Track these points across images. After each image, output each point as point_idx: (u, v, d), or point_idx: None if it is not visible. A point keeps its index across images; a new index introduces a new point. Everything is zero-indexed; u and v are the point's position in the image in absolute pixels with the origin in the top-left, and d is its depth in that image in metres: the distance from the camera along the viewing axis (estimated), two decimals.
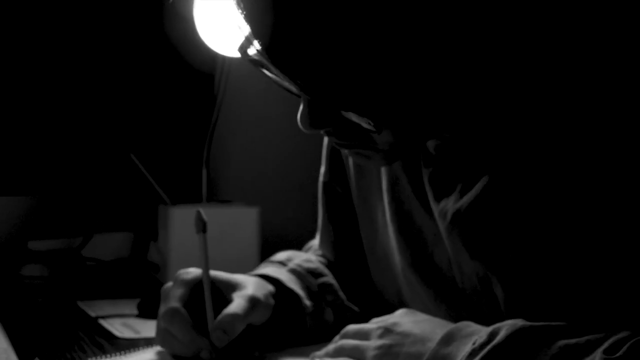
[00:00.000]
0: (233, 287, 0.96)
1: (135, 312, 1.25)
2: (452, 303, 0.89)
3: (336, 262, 1.12)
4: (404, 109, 0.74)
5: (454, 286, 0.88)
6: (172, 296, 0.93)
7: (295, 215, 1.73)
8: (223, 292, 0.96)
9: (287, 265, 1.08)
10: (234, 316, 0.91)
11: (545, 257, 0.76)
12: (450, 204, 0.84)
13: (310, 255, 1.12)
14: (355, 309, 1.08)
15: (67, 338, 1.10)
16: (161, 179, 1.52)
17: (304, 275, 1.06)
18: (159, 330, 0.92)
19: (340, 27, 0.69)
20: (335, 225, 1.12)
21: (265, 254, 1.40)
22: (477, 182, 0.81)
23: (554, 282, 0.76)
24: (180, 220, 1.46)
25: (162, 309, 0.93)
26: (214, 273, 0.97)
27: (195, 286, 0.95)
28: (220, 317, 0.91)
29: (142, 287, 1.49)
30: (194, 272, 0.96)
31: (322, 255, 1.15)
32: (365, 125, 0.74)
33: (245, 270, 1.30)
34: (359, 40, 0.69)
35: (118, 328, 1.15)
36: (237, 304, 0.92)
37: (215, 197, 1.67)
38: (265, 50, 0.70)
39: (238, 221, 1.50)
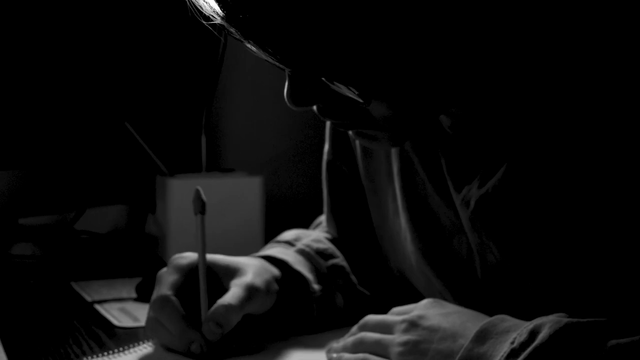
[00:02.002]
0: (232, 273, 0.91)
1: (134, 295, 1.20)
2: (464, 296, 0.85)
3: (344, 243, 1.07)
4: (391, 74, 0.69)
5: (469, 278, 0.84)
6: (164, 283, 0.88)
7: (300, 184, 1.72)
8: (221, 279, 0.91)
9: (294, 245, 1.02)
10: (227, 307, 0.85)
11: (570, 245, 0.72)
12: (473, 192, 0.79)
13: (319, 234, 1.07)
14: (367, 293, 1.03)
15: (61, 329, 1.04)
16: (158, 147, 1.49)
17: (313, 256, 1.01)
18: (149, 319, 0.88)
19: None
20: (342, 207, 1.08)
21: (269, 225, 1.47)
22: (499, 168, 0.76)
23: (580, 271, 0.73)
24: (179, 191, 1.43)
25: (154, 296, 0.88)
26: (212, 258, 0.92)
27: (190, 272, 0.90)
28: (213, 308, 0.86)
29: (140, 264, 1.46)
30: (189, 256, 0.91)
31: (329, 233, 1.10)
32: (352, 96, 0.70)
33: (248, 242, 1.42)
34: None
35: (116, 315, 1.10)
36: (232, 293, 0.87)
37: (216, 166, 1.63)
38: (225, 12, 0.66)
39: (240, 191, 1.46)
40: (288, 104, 0.74)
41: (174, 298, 0.87)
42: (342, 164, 1.05)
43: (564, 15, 0.73)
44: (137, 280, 1.24)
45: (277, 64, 0.69)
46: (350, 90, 0.70)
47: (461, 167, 0.82)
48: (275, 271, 0.95)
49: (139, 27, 1.68)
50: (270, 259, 0.97)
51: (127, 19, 1.68)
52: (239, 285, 0.89)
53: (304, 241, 1.03)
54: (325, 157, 1.08)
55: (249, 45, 0.69)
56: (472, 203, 0.80)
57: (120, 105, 1.69)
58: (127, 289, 1.24)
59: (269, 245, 1.05)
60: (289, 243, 1.03)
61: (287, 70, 0.72)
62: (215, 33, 0.72)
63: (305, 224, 1.25)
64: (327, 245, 1.03)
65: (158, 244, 1.49)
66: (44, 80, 1.65)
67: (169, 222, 1.44)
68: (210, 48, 1.57)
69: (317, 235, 1.06)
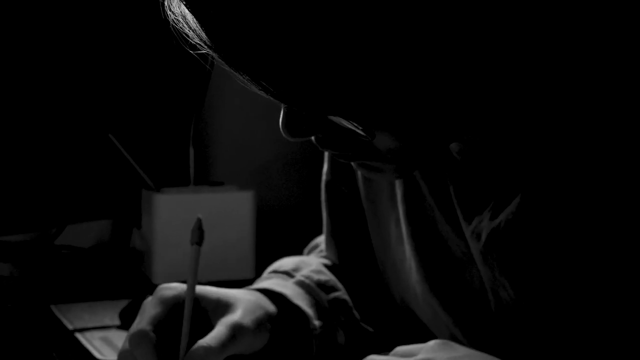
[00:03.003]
0: (221, 309, 0.86)
1: (117, 322, 1.15)
2: (474, 332, 0.82)
3: (344, 269, 1.03)
4: (396, 105, 0.66)
5: (481, 313, 0.80)
6: (145, 316, 0.83)
7: (292, 195, 1.70)
8: (209, 315, 0.86)
9: (294, 276, 0.97)
10: (207, 349, 0.80)
11: (590, 284, 0.69)
12: (485, 224, 0.75)
13: (319, 263, 1.01)
14: (370, 329, 0.98)
15: None
16: (143, 160, 1.47)
17: (314, 289, 0.95)
18: (123, 351, 0.83)
19: (302, 7, 0.60)
20: (343, 230, 1.03)
21: (260, 242, 1.45)
22: (512, 199, 0.73)
23: (600, 313, 0.69)
24: (165, 205, 1.40)
25: (133, 327, 0.84)
26: (201, 290, 0.86)
27: (175, 306, 0.84)
28: (192, 348, 0.80)
29: (125, 283, 1.41)
30: (176, 288, 0.86)
31: (328, 259, 1.06)
32: (355, 129, 0.67)
33: (238, 259, 1.41)
34: (329, 23, 0.60)
35: (97, 346, 1.05)
36: (215, 333, 0.82)
37: (204, 178, 1.60)
38: (213, 41, 0.62)
39: (231, 206, 1.44)
40: (283, 135, 0.71)
41: (152, 334, 0.82)
42: (342, 184, 1.01)
43: (578, 40, 0.70)
44: (121, 303, 1.21)
45: (272, 98, 0.66)
46: (352, 124, 0.66)
47: (471, 195, 0.78)
48: (270, 308, 0.90)
49: (123, 34, 1.63)
50: (267, 293, 0.92)
51: (110, 24, 1.63)
52: (225, 324, 0.84)
53: (303, 272, 0.98)
54: (324, 177, 1.04)
55: (239, 77, 0.65)
56: (484, 236, 0.76)
57: (104, 116, 1.64)
58: (110, 314, 1.20)
59: (265, 275, 1.00)
60: (288, 274, 0.98)
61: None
62: (202, 62, 0.68)
63: (298, 236, 1.24)
64: (329, 277, 0.98)
65: (143, 260, 1.46)
66: (23, 89, 1.60)
67: (155, 238, 1.40)
68: (198, 55, 1.51)
69: (317, 264, 1.01)
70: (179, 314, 0.84)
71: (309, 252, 1.12)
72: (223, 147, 1.70)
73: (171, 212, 1.39)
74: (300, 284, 0.95)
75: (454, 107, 0.68)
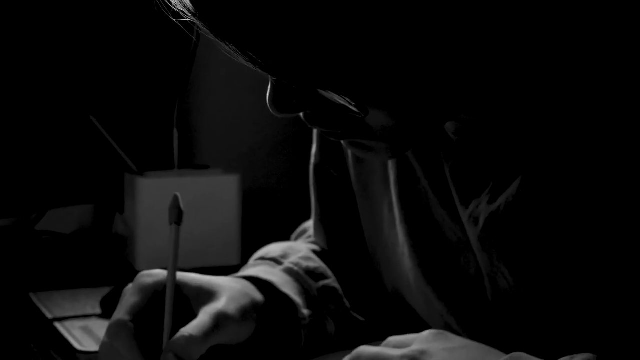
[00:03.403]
0: (204, 297, 0.84)
1: (98, 310, 1.14)
2: (470, 321, 0.81)
3: (334, 256, 1.01)
4: (391, 80, 0.65)
5: (477, 302, 0.79)
6: (124, 305, 0.82)
7: (279, 178, 1.68)
8: (191, 303, 0.84)
9: (282, 263, 0.94)
10: (188, 339, 0.78)
11: (594, 270, 0.68)
12: (482, 207, 0.74)
13: (307, 249, 0.99)
14: (361, 319, 0.96)
15: (17, 353, 0.98)
16: (126, 143, 1.46)
17: (302, 276, 0.93)
18: (103, 343, 0.82)
19: None
20: (332, 215, 1.01)
21: (247, 227, 1.44)
22: (512, 181, 0.71)
23: (604, 300, 0.68)
24: (149, 190, 1.39)
25: (112, 318, 0.82)
26: (183, 277, 0.84)
27: (156, 294, 0.82)
28: (174, 338, 0.79)
29: (107, 269, 1.40)
30: (157, 275, 0.83)
31: (317, 245, 1.04)
32: (347, 105, 0.66)
33: (224, 244, 1.40)
34: None
35: (78, 336, 1.04)
36: (198, 322, 0.80)
37: (189, 162, 1.57)
38: (197, 7, 0.61)
39: (216, 190, 1.43)
40: (271, 111, 0.69)
41: (131, 324, 0.80)
42: (331, 167, 0.99)
43: (577, 14, 0.69)
44: (103, 290, 1.19)
45: (259, 70, 0.64)
46: (345, 99, 0.64)
47: (468, 177, 0.77)
48: (257, 296, 0.88)
49: (104, 10, 1.62)
50: (253, 280, 0.90)
51: (91, 2, 1.62)
52: (208, 312, 0.81)
53: (292, 259, 0.95)
54: (312, 160, 1.02)
55: (225, 47, 0.63)
56: (482, 220, 0.75)
57: (85, 97, 1.63)
58: (92, 302, 1.18)
59: (252, 262, 0.97)
60: (275, 260, 0.95)
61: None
62: (186, 31, 0.66)
63: (286, 221, 1.23)
64: (318, 264, 0.96)
65: (126, 245, 1.44)
66: (1, 70, 1.59)
67: (138, 223, 1.39)
68: (183, 34, 1.50)
69: (306, 251, 0.98)
70: (160, 302, 0.82)
71: (297, 238, 1.10)
72: (208, 130, 1.69)
73: (154, 196, 1.38)
74: (289, 272, 0.93)
75: (450, 82, 0.67)
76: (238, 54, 0.62)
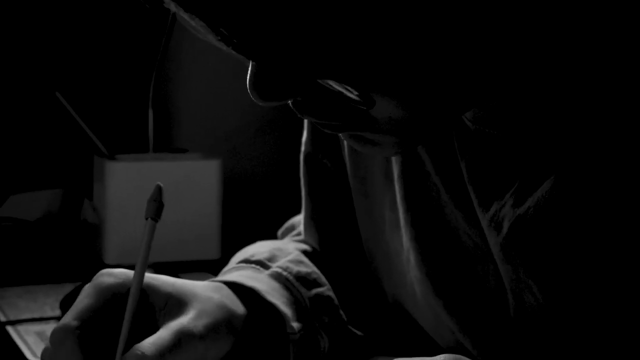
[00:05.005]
0: (173, 307, 0.77)
1: (58, 312, 1.07)
2: (487, 343, 0.75)
3: (327, 257, 0.95)
4: (404, 63, 0.57)
5: (497, 320, 0.74)
6: (73, 308, 0.74)
7: (262, 164, 1.68)
8: (156, 312, 0.77)
9: (269, 267, 0.88)
10: (141, 358, 0.71)
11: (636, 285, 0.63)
12: (507, 210, 0.69)
13: (297, 250, 0.93)
14: (359, 333, 0.90)
15: None
16: (96, 122, 1.42)
17: (292, 283, 0.86)
18: (44, 349, 0.75)
19: None
20: (325, 211, 0.95)
21: (227, 218, 1.42)
22: (543, 180, 0.66)
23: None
24: (120, 174, 1.36)
25: (60, 322, 0.75)
26: (153, 280, 0.77)
27: (115, 296, 0.75)
28: (126, 355, 0.72)
29: (72, 262, 1.35)
30: (120, 275, 0.76)
31: (307, 245, 0.98)
32: (346, 93, 0.59)
33: (202, 235, 1.39)
34: None
35: (31, 343, 0.98)
36: (155, 339, 0.73)
37: (165, 145, 1.56)
38: None
39: (195, 176, 1.40)
40: (252, 98, 0.62)
41: (77, 331, 0.73)
42: (325, 157, 0.94)
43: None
44: (65, 288, 1.15)
45: (234, 52, 0.56)
46: (344, 87, 0.58)
47: (488, 175, 0.70)
48: (238, 309, 0.81)
49: None
50: (236, 287, 0.83)
51: None
52: (170, 328, 0.74)
53: (280, 262, 0.89)
54: (303, 148, 0.96)
55: (193, 24, 0.56)
56: (506, 226, 0.68)
57: (50, 71, 1.61)
58: (51, 301, 1.13)
59: (234, 264, 0.90)
60: (261, 264, 0.88)
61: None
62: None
63: (270, 212, 1.22)
64: (311, 269, 0.89)
65: (95, 235, 1.40)
66: None
67: (108, 211, 1.35)
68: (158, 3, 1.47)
69: (296, 253, 0.92)
70: (120, 307, 0.74)
71: (284, 235, 1.04)
72: (187, 109, 1.68)
73: (126, 181, 1.35)
74: (277, 277, 0.87)
75: (470, 64, 0.60)
76: (207, 31, 0.55)
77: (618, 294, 0.63)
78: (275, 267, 0.88)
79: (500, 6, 0.57)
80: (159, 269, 1.11)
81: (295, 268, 0.88)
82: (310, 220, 0.96)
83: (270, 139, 1.66)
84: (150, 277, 0.76)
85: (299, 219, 1.02)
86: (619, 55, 0.63)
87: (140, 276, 0.74)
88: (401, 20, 0.54)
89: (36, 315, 1.06)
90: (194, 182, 1.39)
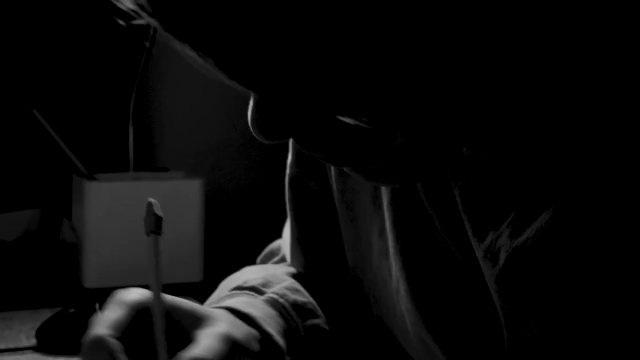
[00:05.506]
0: (198, 320, 0.75)
1: (34, 341, 1.05)
2: None
3: (313, 282, 0.93)
4: (417, 93, 0.55)
5: (491, 351, 0.71)
6: (103, 319, 0.72)
7: (245, 181, 1.65)
8: (183, 327, 0.75)
9: (263, 292, 0.85)
10: None
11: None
12: (504, 241, 0.66)
13: (293, 280, 0.90)
14: None
15: None
16: (75, 141, 1.42)
17: (289, 312, 0.84)
18: None
19: None
20: (312, 236, 0.93)
21: (210, 239, 1.42)
22: (543, 209, 0.64)
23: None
24: (99, 194, 1.35)
25: (89, 334, 0.73)
26: (172, 299, 0.75)
27: (141, 311, 0.73)
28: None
29: (50, 286, 1.34)
30: (138, 291, 0.75)
31: (294, 268, 0.96)
32: (362, 125, 0.58)
33: (184, 255, 1.38)
34: None
35: None
36: (207, 345, 0.72)
37: (146, 164, 1.53)
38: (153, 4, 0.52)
39: (177, 196, 1.39)
40: (255, 136, 0.59)
41: (113, 340, 0.70)
42: (310, 180, 0.91)
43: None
44: (42, 314, 1.12)
45: (238, 86, 0.54)
46: (362, 122, 0.56)
47: (483, 202, 0.67)
48: (252, 330, 0.79)
49: None
50: (231, 312, 0.81)
51: None
52: (214, 335, 0.73)
53: (275, 288, 0.86)
54: (288, 171, 0.93)
55: (189, 54, 0.54)
56: (502, 257, 0.65)
57: (27, 88, 1.58)
58: (27, 329, 1.10)
59: (227, 292, 0.88)
60: (256, 290, 0.86)
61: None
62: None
63: (253, 233, 1.21)
64: (307, 299, 0.87)
65: (75, 255, 1.39)
66: None
67: (87, 232, 1.34)
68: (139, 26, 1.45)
69: (291, 280, 0.90)
70: (146, 322, 0.73)
71: (263, 262, 1.02)
72: (168, 127, 1.66)
73: (106, 202, 1.34)
74: (273, 303, 0.84)
75: (473, 93, 0.58)
76: (210, 66, 0.53)
77: (618, 331, 0.61)
78: (270, 293, 0.85)
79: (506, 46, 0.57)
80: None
81: (292, 296, 0.86)
82: (297, 245, 0.94)
83: (253, 157, 1.64)
84: (167, 297, 0.75)
85: (278, 244, 1.00)
86: (617, 83, 0.61)
87: (158, 289, 0.73)
88: (423, 57, 0.53)
89: (10, 345, 1.04)
90: (175, 203, 1.38)
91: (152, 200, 0.77)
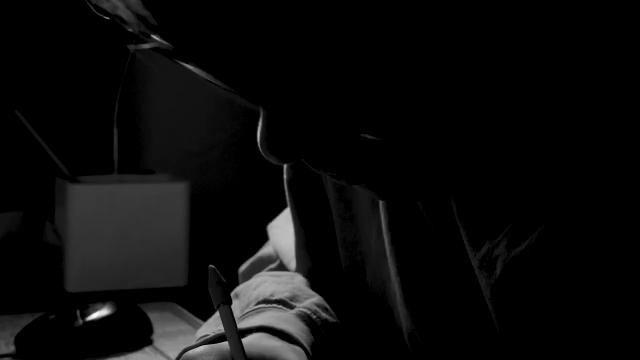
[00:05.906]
0: None
1: (12, 348, 1.03)
2: None
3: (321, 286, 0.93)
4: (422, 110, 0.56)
5: None
6: None
7: (235, 191, 1.65)
8: None
9: (293, 306, 0.85)
10: None
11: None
12: (501, 251, 0.66)
13: (319, 297, 0.90)
14: None
15: None
16: (57, 142, 1.41)
17: (320, 330, 0.84)
18: None
19: None
20: (317, 240, 0.92)
21: (195, 243, 1.42)
22: (541, 220, 0.64)
23: None
24: (82, 197, 1.34)
25: None
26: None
27: None
28: None
29: (31, 291, 1.32)
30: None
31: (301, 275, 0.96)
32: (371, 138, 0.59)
33: (168, 262, 1.37)
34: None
35: None
36: None
37: (131, 166, 1.53)
38: (156, 16, 0.51)
39: (162, 199, 1.39)
40: (264, 156, 0.59)
41: None
42: (308, 182, 0.92)
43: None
44: (22, 320, 1.09)
45: (246, 102, 0.55)
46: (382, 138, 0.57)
47: (480, 210, 0.67)
48: (300, 349, 0.80)
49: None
50: (265, 330, 0.81)
51: None
52: None
53: (306, 303, 0.86)
54: (285, 176, 0.93)
55: (193, 69, 0.54)
56: (499, 267, 0.65)
57: (8, 89, 1.55)
58: (6, 336, 1.07)
59: (253, 307, 0.87)
60: (284, 303, 0.86)
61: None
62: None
63: (239, 233, 1.25)
64: (336, 319, 0.87)
65: (57, 258, 1.38)
66: None
67: (70, 236, 1.34)
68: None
69: (318, 297, 0.89)
70: None
71: (249, 272, 1.01)
72: (153, 130, 1.64)
73: (89, 205, 1.33)
74: (305, 318, 0.84)
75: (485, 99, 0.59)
76: (216, 80, 0.54)
77: (614, 344, 0.61)
78: (302, 308, 0.85)
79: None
80: (120, 297, 1.08)
81: (324, 315, 0.85)
82: (305, 250, 0.93)
83: (240, 159, 1.64)
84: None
85: (269, 252, 1.00)
86: (615, 92, 0.61)
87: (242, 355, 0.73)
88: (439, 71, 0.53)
89: None
90: (160, 206, 1.38)
91: (212, 266, 0.76)
